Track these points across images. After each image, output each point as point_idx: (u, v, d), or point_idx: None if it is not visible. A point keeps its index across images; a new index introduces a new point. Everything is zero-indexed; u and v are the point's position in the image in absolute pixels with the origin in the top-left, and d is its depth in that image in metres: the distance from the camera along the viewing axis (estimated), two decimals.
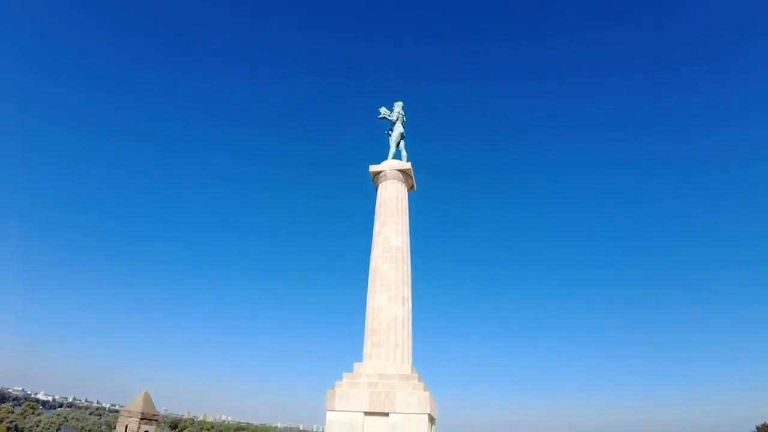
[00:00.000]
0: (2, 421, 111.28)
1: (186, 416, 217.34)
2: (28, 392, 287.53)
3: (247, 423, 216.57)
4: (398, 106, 21.93)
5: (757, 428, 48.85)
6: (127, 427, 26.91)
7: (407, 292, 18.21)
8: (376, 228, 19.34)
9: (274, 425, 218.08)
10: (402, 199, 19.93)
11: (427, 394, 15.69)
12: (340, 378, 16.86)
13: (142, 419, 26.91)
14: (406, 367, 16.77)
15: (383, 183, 20.18)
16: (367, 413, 15.67)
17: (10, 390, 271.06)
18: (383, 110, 21.81)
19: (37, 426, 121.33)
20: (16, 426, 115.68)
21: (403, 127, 21.68)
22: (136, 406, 27.32)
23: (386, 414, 15.51)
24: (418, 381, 16.30)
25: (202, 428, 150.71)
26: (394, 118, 21.68)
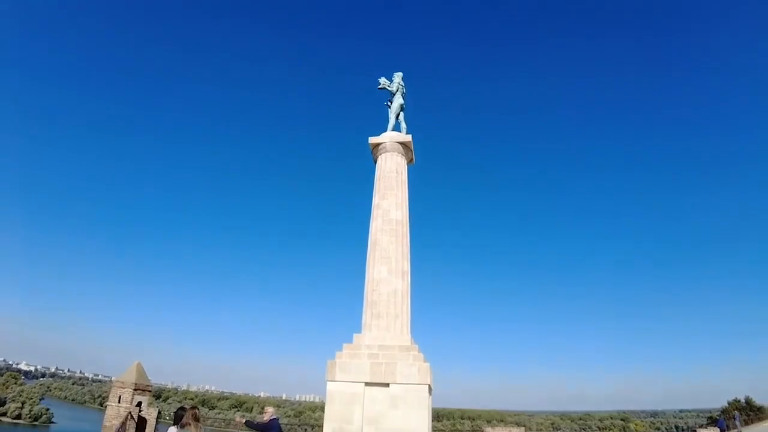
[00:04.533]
0: None
1: (169, 386, 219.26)
2: (9, 362, 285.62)
3: (231, 393, 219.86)
4: (398, 77, 21.50)
5: (729, 403, 51.58)
6: (120, 398, 26.85)
7: (406, 266, 18.26)
8: (375, 201, 19.21)
9: (256, 395, 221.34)
10: (402, 172, 19.77)
11: (426, 365, 15.91)
12: (340, 349, 16.96)
13: (135, 390, 26.85)
14: (406, 339, 16.96)
15: (382, 155, 19.96)
16: (367, 384, 15.86)
17: None
18: (383, 81, 21.38)
19: (20, 396, 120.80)
20: None
21: (403, 98, 21.31)
22: (129, 376, 27.19)
23: (387, 385, 15.72)
24: (418, 352, 16.51)
25: (186, 398, 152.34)
26: (394, 89, 21.28)
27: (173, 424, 9.32)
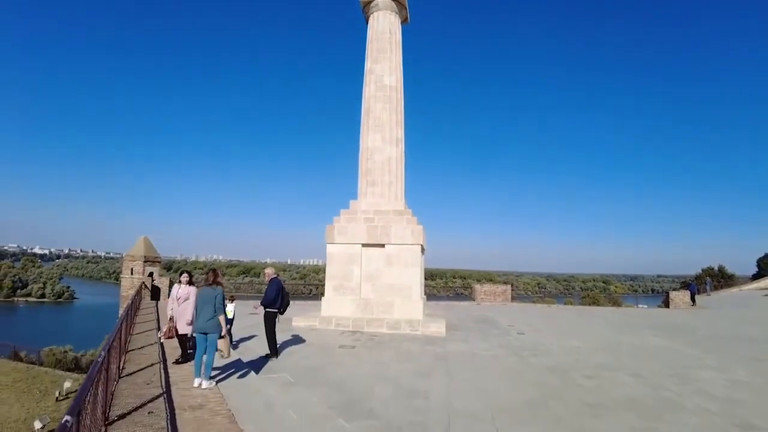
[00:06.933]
0: (5, 276, 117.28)
1: (179, 258, 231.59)
2: (24, 248, 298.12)
3: (238, 260, 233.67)
4: None
5: (703, 270, 55.00)
6: (132, 270, 28.40)
7: (400, 133, 18.02)
8: (368, 65, 18.26)
9: (263, 261, 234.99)
10: (395, 33, 18.45)
11: (419, 227, 16.56)
12: (338, 214, 17.52)
13: (145, 262, 28.33)
14: (400, 204, 17.43)
15: (374, 14, 18.45)
16: (364, 245, 16.69)
17: (6, 247, 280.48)
18: None
19: (40, 277, 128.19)
20: (19, 278, 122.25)
21: None
22: (138, 250, 28.50)
23: (382, 245, 16.54)
24: (411, 216, 17.08)
25: (195, 267, 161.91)
26: None
27: (188, 284, 9.97)
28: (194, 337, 9.50)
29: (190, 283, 10.01)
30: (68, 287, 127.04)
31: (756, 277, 55.06)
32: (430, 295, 28.30)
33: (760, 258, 59.23)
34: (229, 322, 12.83)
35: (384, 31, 18.19)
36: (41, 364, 33.73)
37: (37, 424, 19.69)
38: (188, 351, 9.75)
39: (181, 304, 9.68)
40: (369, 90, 18.04)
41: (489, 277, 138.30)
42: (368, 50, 18.41)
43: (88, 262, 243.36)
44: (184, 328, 9.48)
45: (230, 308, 12.82)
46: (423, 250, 17.47)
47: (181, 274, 10.31)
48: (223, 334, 8.29)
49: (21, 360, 34.45)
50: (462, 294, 34.11)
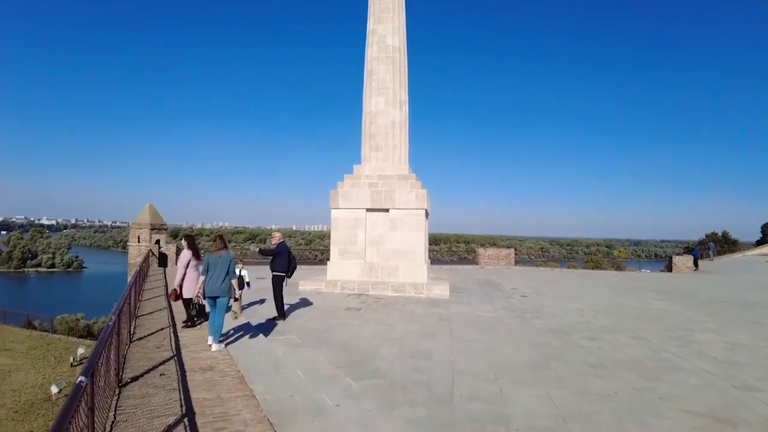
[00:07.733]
0: (15, 248, 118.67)
1: (185, 226, 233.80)
2: (32, 219, 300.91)
3: (244, 227, 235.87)
4: None
5: (707, 235, 54.84)
6: (139, 237, 28.63)
7: (404, 96, 17.68)
8: (370, 26, 17.73)
9: (268, 227, 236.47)
10: None
11: (423, 192, 16.50)
12: (341, 180, 17.43)
13: (152, 229, 28.51)
14: (404, 168, 17.29)
15: None
16: (368, 210, 16.69)
17: (14, 219, 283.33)
18: None
19: (49, 248, 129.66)
20: (28, 249, 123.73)
21: None
22: (144, 218, 28.65)
23: (386, 210, 16.54)
24: (416, 180, 16.98)
25: (202, 234, 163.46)
26: None
27: (190, 250, 10.03)
28: (190, 300, 9.67)
29: (190, 247, 10.07)
30: (77, 257, 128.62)
31: (760, 243, 55.03)
32: (434, 259, 28.52)
33: (764, 224, 59.00)
34: (245, 285, 13.02)
35: None
36: (54, 332, 34.56)
37: (54, 389, 20.31)
38: (193, 317, 9.90)
39: (181, 268, 9.80)
40: (372, 51, 17.58)
41: (492, 242, 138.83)
42: (371, 10, 17.85)
43: (95, 232, 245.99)
44: (186, 292, 9.61)
45: (245, 273, 12.99)
46: (427, 214, 17.45)
47: (181, 240, 10.41)
48: (237, 296, 8.44)
49: (35, 328, 35.30)
50: (466, 258, 34.36)
